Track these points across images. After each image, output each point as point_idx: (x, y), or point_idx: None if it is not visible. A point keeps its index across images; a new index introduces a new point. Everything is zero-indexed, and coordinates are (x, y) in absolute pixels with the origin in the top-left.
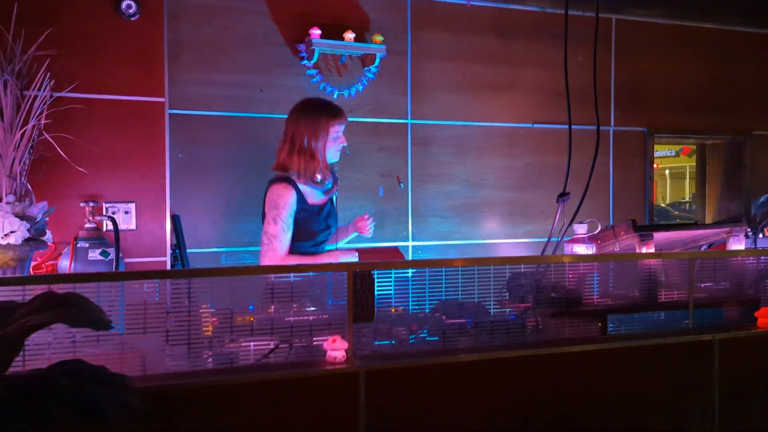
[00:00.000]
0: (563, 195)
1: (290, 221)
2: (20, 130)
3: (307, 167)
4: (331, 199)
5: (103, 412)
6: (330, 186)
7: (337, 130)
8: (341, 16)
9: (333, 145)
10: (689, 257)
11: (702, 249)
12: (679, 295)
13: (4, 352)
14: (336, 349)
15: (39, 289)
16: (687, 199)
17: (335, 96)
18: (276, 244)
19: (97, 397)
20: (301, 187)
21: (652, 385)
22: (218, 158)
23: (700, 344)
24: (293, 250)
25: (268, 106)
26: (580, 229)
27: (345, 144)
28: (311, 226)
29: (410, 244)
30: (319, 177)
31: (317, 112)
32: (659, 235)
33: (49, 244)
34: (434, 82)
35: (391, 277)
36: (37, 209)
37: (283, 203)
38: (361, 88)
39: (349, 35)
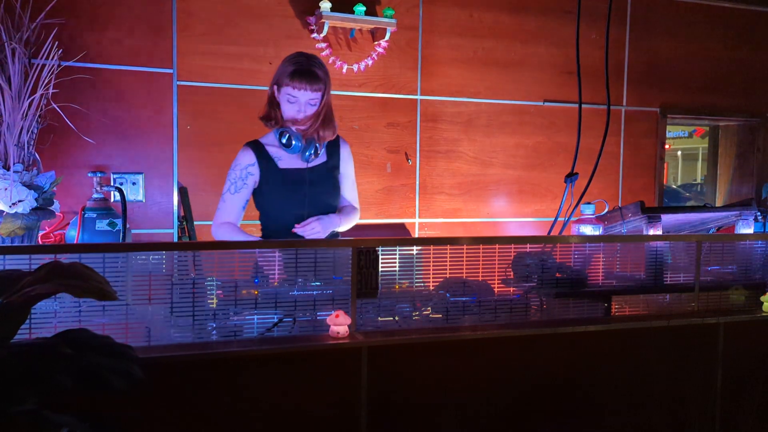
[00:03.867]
0: (571, 175)
1: (239, 183)
2: (28, 99)
3: (269, 112)
4: (319, 168)
5: (106, 381)
6: (298, 148)
7: (290, 92)
8: None
9: (285, 106)
10: (697, 240)
11: (710, 232)
12: (685, 278)
13: (10, 320)
14: (339, 324)
15: (45, 259)
16: (699, 180)
17: (344, 70)
18: (220, 203)
19: (101, 367)
20: (271, 149)
21: (655, 366)
22: (226, 130)
23: (704, 327)
24: (267, 225)
25: None
26: (588, 210)
27: (303, 113)
28: (278, 193)
29: (417, 221)
30: (285, 135)
31: (284, 63)
32: (667, 217)
33: (56, 213)
34: (445, 58)
35: (395, 254)
36: (45, 178)
37: (235, 164)
38: (370, 62)
39: (360, 8)
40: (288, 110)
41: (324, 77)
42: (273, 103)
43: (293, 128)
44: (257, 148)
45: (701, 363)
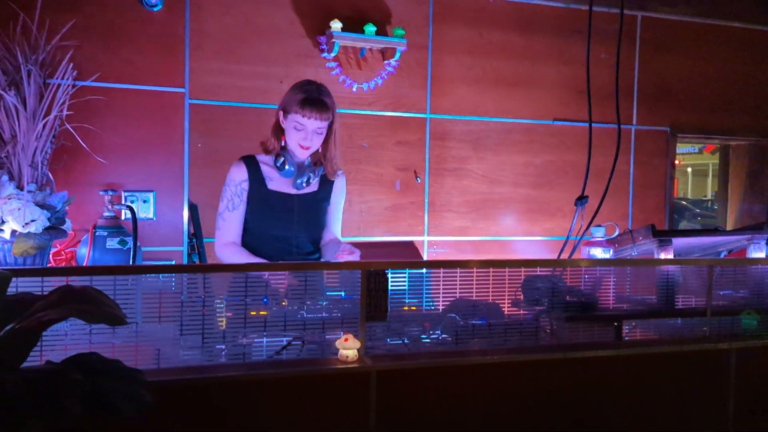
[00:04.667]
0: (582, 198)
1: (236, 200)
2: (42, 120)
3: (270, 141)
4: (307, 197)
5: (116, 407)
6: (291, 174)
7: (298, 120)
8: (362, 8)
9: (291, 133)
10: (708, 264)
11: (722, 256)
12: (697, 302)
13: (21, 345)
14: (348, 348)
15: (56, 280)
16: (709, 196)
17: (354, 89)
18: (219, 222)
19: (111, 392)
20: (264, 168)
21: (666, 392)
22: (237, 148)
23: (716, 353)
24: (246, 242)
25: None
26: (598, 233)
27: (309, 141)
28: (261, 213)
29: (425, 238)
30: (280, 159)
31: (293, 90)
32: (678, 240)
33: (68, 232)
34: (454, 77)
35: (405, 276)
36: (58, 198)
37: (229, 180)
38: (380, 81)
39: (370, 28)
40: (293, 137)
41: (332, 107)
42: (277, 130)
43: (294, 155)
44: (250, 163)
45: (713, 388)
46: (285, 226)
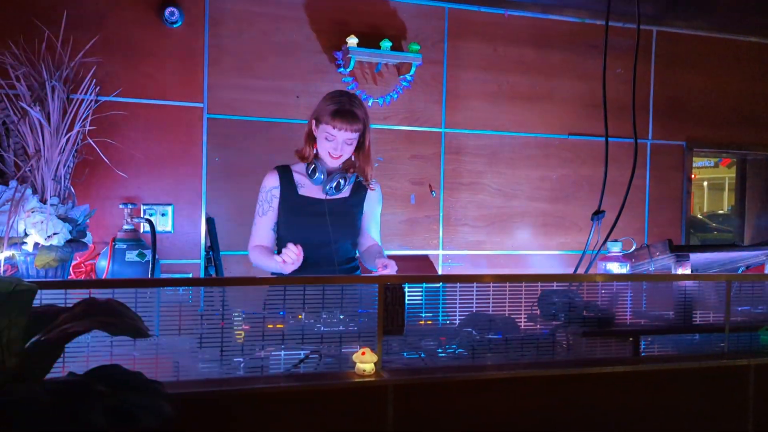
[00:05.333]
0: (598, 213)
1: (266, 206)
2: (66, 135)
3: (303, 149)
4: (337, 201)
5: (138, 419)
6: (320, 181)
7: (328, 131)
8: (378, 24)
9: (322, 143)
10: (726, 279)
11: (739, 271)
12: (714, 318)
13: (46, 357)
14: (365, 361)
15: (79, 292)
16: (725, 210)
17: (370, 103)
18: (252, 228)
19: (134, 405)
20: (297, 176)
21: (684, 408)
22: (253, 162)
23: (735, 369)
24: (280, 248)
25: (304, 112)
26: (615, 247)
27: (339, 154)
28: (292, 218)
29: (440, 252)
30: (311, 166)
31: (325, 101)
32: (695, 255)
33: (89, 245)
34: (469, 92)
35: (421, 290)
36: (79, 211)
37: (261, 187)
38: (395, 96)
39: (386, 44)
40: (324, 147)
41: (363, 117)
42: (310, 138)
43: (324, 163)
44: (283, 171)
45: (732, 405)
46: (315, 230)
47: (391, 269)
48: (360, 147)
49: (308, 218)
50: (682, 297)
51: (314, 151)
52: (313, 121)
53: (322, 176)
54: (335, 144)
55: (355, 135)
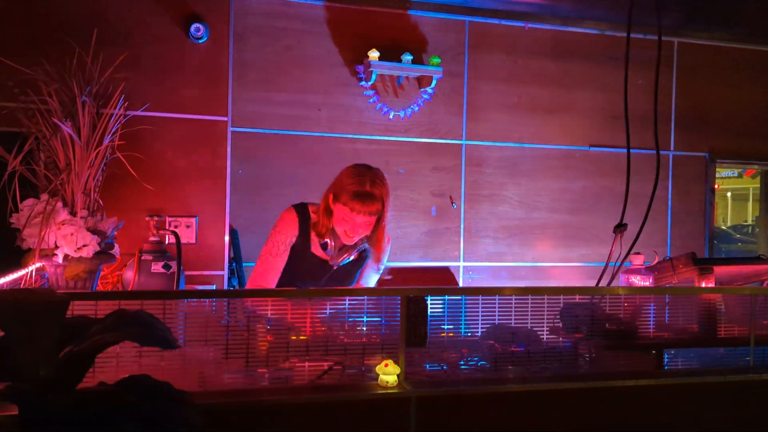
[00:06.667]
0: (620, 226)
1: (281, 248)
2: (95, 149)
3: (320, 223)
4: (344, 266)
5: (168, 428)
6: (331, 253)
7: (345, 212)
8: (400, 38)
9: (339, 221)
10: (751, 293)
11: (765, 284)
12: (739, 332)
13: (78, 367)
14: (388, 373)
15: (107, 303)
16: (750, 221)
17: (391, 116)
18: (259, 262)
19: (163, 414)
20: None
21: (709, 423)
22: (276, 175)
23: (761, 383)
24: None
25: (326, 125)
26: (638, 260)
27: (355, 231)
28: (296, 269)
29: (461, 264)
30: (325, 239)
31: (346, 177)
32: (719, 268)
33: (116, 257)
34: (490, 104)
35: (444, 302)
36: (108, 224)
37: (280, 227)
38: (416, 108)
39: (407, 57)
40: (340, 225)
41: (382, 197)
42: (327, 212)
43: (339, 240)
44: (303, 220)
45: (758, 420)
46: (311, 284)
47: None
48: (376, 223)
49: (310, 275)
50: (706, 310)
51: (331, 226)
52: (332, 195)
53: (333, 252)
54: (351, 225)
55: (372, 218)
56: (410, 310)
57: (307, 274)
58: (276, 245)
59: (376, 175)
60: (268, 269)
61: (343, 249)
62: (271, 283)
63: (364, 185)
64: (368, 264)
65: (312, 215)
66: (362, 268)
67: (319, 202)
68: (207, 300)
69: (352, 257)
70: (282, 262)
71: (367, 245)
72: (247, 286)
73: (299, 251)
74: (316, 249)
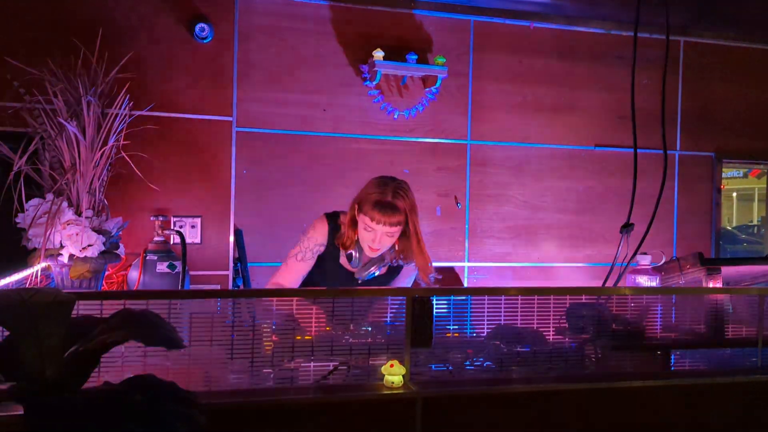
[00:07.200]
0: (627, 226)
1: (308, 254)
2: (100, 149)
3: (345, 235)
4: (369, 280)
5: (174, 428)
6: (356, 265)
7: (367, 223)
8: (404, 38)
9: (362, 233)
10: (759, 293)
11: None
12: (747, 332)
13: (84, 367)
14: (394, 374)
15: (113, 303)
16: (755, 222)
17: (396, 116)
18: (284, 264)
19: (169, 414)
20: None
21: (715, 424)
22: (281, 175)
23: None
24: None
25: (331, 124)
26: (644, 260)
27: (379, 242)
28: (322, 278)
29: (466, 264)
30: (350, 250)
31: (369, 188)
32: (727, 268)
33: (121, 256)
34: (495, 104)
35: (449, 302)
36: (113, 224)
37: (311, 235)
38: (421, 108)
39: (412, 56)
40: (364, 237)
41: (405, 208)
42: (353, 224)
43: (362, 253)
44: (333, 230)
45: (766, 422)
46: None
47: None
48: (404, 234)
49: (335, 286)
50: (713, 311)
51: (356, 237)
52: (356, 206)
53: (358, 265)
54: (374, 236)
55: (395, 229)
56: (415, 310)
57: (332, 284)
58: (303, 250)
59: (400, 186)
60: (289, 271)
61: (369, 263)
62: (290, 285)
63: (386, 195)
64: (402, 271)
65: (342, 226)
66: (396, 277)
67: (325, 202)
68: (212, 300)
69: (378, 272)
70: (306, 268)
71: (401, 262)
72: (267, 285)
73: (327, 261)
74: (344, 260)
